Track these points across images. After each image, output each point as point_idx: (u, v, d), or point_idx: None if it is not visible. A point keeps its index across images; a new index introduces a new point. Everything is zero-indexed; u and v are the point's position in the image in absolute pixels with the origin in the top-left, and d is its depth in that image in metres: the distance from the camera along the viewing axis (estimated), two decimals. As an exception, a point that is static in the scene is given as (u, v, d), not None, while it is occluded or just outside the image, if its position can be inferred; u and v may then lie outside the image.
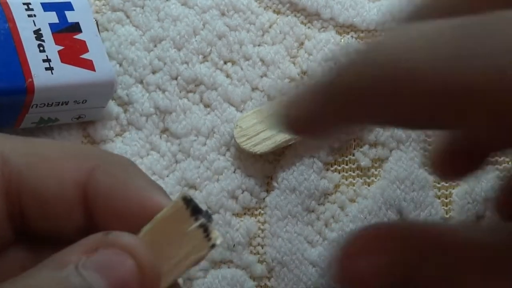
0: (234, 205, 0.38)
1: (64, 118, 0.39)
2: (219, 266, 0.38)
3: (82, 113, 0.39)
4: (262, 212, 0.39)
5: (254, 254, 0.38)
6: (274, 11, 0.41)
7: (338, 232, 0.38)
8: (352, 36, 0.41)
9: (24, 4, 0.38)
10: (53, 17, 0.39)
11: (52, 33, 0.38)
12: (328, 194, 0.39)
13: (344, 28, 0.41)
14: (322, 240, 0.38)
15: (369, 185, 0.39)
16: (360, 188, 0.39)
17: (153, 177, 0.38)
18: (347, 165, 0.39)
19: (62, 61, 0.37)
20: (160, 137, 0.39)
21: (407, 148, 0.39)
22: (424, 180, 0.39)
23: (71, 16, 0.39)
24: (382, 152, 0.39)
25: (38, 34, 0.38)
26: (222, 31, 0.41)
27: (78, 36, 0.39)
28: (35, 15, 0.38)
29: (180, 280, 0.37)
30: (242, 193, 0.39)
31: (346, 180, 0.39)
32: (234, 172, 0.39)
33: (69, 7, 0.39)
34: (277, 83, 0.40)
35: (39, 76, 0.36)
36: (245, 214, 0.38)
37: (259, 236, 0.38)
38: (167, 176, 0.39)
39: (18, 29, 0.37)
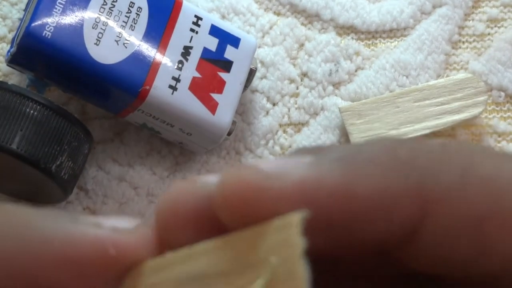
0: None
1: (167, 136, 0.37)
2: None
3: (184, 141, 0.37)
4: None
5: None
6: (274, 13, 0.41)
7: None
8: (352, 38, 0.41)
9: (195, 16, 0.35)
10: (213, 43, 0.35)
11: (200, 58, 0.35)
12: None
13: (344, 29, 0.41)
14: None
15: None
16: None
17: (153, 178, 0.38)
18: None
19: (189, 88, 0.34)
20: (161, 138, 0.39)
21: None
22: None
23: (230, 52, 0.36)
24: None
25: (186, 51, 0.35)
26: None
27: (222, 75, 0.35)
28: (197, 32, 0.35)
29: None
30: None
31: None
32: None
33: (235, 43, 0.36)
34: (276, 84, 0.40)
35: (158, 89, 0.34)
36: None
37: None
38: (167, 177, 0.39)
39: (172, 35, 0.34)
